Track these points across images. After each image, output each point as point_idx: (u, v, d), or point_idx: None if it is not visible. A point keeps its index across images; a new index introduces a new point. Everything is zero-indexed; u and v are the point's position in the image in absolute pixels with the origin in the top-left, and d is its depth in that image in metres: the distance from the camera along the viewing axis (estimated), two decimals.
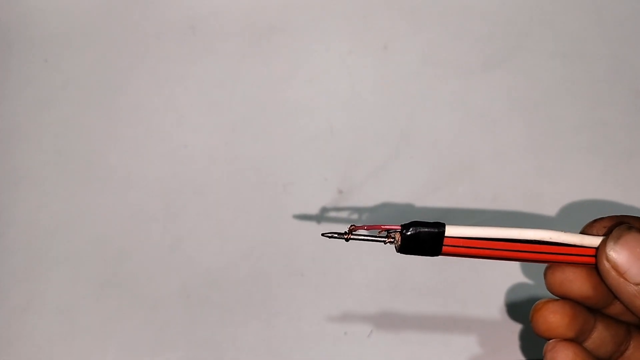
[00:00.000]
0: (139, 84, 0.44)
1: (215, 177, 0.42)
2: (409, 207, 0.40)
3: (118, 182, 0.42)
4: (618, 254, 0.24)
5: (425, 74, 0.44)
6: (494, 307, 0.38)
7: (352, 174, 0.41)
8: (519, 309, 0.38)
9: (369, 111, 0.43)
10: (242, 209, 0.41)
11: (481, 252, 0.25)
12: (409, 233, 0.24)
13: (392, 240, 0.25)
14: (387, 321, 0.38)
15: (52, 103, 0.44)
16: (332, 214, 0.41)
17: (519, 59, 0.44)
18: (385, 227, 0.25)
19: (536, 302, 0.28)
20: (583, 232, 0.27)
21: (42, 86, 0.45)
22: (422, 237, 0.24)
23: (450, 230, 0.24)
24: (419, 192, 0.41)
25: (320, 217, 0.40)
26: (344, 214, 0.41)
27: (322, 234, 0.26)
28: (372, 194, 0.41)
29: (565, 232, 0.25)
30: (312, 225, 0.40)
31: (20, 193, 0.42)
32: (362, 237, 0.26)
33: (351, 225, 0.26)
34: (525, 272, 0.39)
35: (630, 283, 0.24)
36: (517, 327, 0.38)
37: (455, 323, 0.38)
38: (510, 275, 0.39)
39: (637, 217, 0.27)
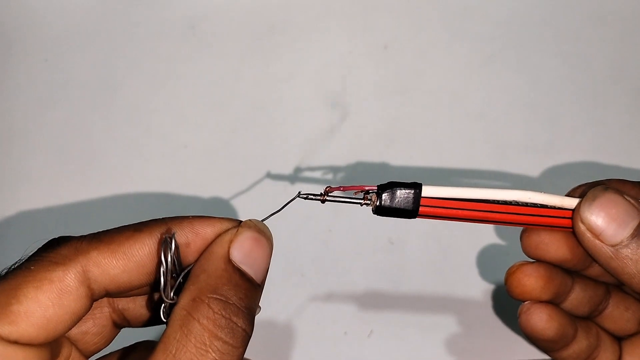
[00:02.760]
0: (139, 83, 0.44)
1: (215, 177, 0.42)
2: None
3: (118, 182, 0.42)
4: (593, 215, 0.24)
5: (425, 74, 0.44)
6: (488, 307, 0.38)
7: (352, 173, 0.41)
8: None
9: (369, 111, 0.43)
10: (242, 209, 0.41)
11: (458, 213, 0.24)
12: (385, 193, 0.24)
13: (368, 202, 0.24)
14: (387, 321, 0.38)
15: (52, 103, 0.44)
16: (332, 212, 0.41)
17: (519, 58, 0.44)
18: (362, 187, 0.24)
19: (511, 265, 0.28)
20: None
21: (42, 86, 0.45)
22: (399, 198, 0.24)
23: (428, 191, 0.24)
24: None
25: (320, 216, 0.40)
26: (344, 210, 0.41)
27: (299, 195, 0.25)
28: None
29: (544, 193, 0.25)
30: (312, 225, 0.40)
31: (20, 193, 0.42)
32: (339, 199, 0.25)
33: (327, 187, 0.25)
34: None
35: (606, 245, 0.24)
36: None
37: (457, 323, 0.38)
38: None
39: (620, 179, 0.26)
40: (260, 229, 0.22)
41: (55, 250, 0.21)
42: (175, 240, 0.21)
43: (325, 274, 0.39)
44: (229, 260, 0.21)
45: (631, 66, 0.44)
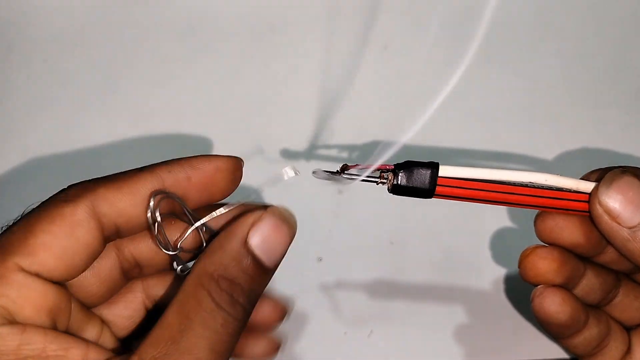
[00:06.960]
0: (139, 83, 0.44)
1: None
2: (408, 208, 0.40)
3: None
4: (610, 198, 0.24)
5: (425, 73, 0.44)
6: (504, 312, 0.38)
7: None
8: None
9: (369, 111, 0.43)
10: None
11: (475, 194, 0.24)
12: (402, 172, 0.24)
13: (384, 180, 0.25)
14: (387, 321, 0.38)
15: (52, 103, 0.44)
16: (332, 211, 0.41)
17: (519, 59, 0.44)
18: (379, 166, 0.24)
19: (525, 248, 0.28)
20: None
21: (42, 86, 0.45)
22: (416, 177, 0.24)
23: (445, 170, 0.24)
24: None
25: (320, 216, 0.40)
26: (344, 210, 0.41)
27: (313, 173, 0.25)
28: (372, 194, 0.41)
29: (561, 175, 0.25)
30: (312, 225, 0.40)
31: (20, 193, 0.42)
32: (355, 177, 0.25)
33: (343, 165, 0.25)
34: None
35: (623, 227, 0.24)
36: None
37: (457, 323, 0.38)
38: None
39: (634, 167, 0.26)
40: (284, 217, 0.23)
41: (64, 191, 0.23)
42: (162, 197, 0.23)
43: (324, 274, 0.39)
44: (244, 243, 0.22)
45: (631, 66, 0.44)
